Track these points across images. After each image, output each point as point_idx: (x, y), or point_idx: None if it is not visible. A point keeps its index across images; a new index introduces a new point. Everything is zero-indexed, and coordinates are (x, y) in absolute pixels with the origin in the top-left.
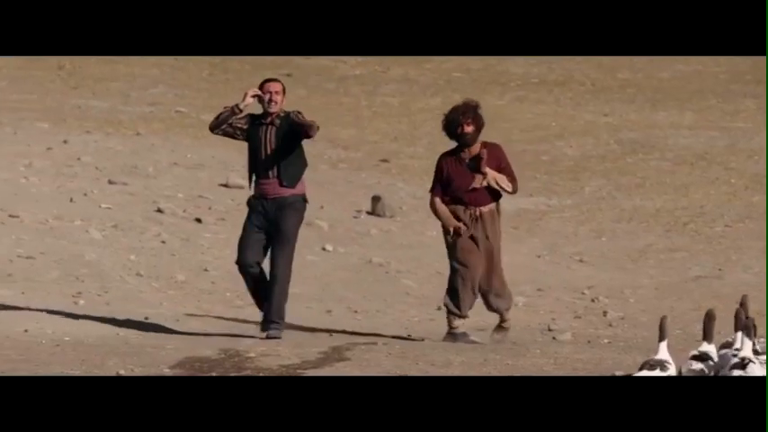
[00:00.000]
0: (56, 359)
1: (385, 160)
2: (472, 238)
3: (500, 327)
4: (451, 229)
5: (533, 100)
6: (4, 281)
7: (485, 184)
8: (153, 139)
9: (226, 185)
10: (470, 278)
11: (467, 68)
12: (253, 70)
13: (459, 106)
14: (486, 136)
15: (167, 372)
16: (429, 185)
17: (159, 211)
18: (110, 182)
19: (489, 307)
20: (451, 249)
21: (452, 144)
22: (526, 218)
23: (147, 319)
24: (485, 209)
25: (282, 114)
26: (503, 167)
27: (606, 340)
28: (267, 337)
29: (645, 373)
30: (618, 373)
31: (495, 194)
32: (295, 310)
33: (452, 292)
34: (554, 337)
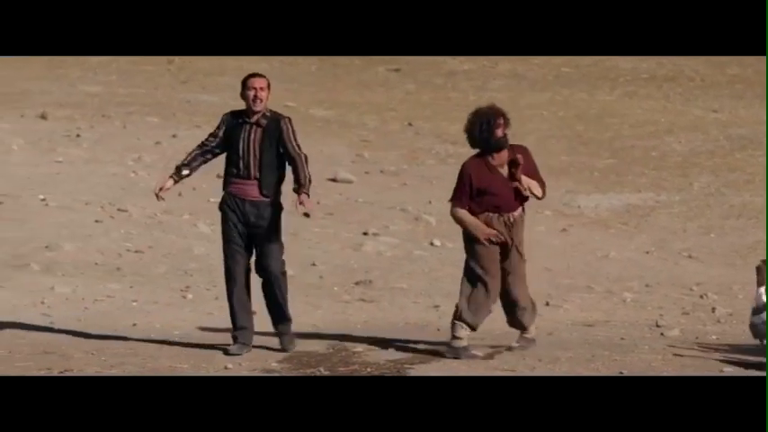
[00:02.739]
0: (164, 353)
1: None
2: (504, 246)
3: (523, 336)
4: (485, 238)
5: (643, 95)
6: (113, 275)
7: (525, 193)
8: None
9: (334, 180)
10: (492, 290)
11: (576, 64)
12: (362, 65)
13: (488, 109)
14: (595, 131)
15: (275, 366)
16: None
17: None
18: (218, 176)
19: (513, 322)
20: (474, 256)
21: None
22: (635, 213)
23: (255, 313)
24: (516, 214)
25: (269, 114)
26: (533, 173)
27: (714, 336)
28: (283, 349)
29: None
30: (726, 371)
31: (522, 199)
32: (402, 304)
33: (472, 301)
34: (662, 333)
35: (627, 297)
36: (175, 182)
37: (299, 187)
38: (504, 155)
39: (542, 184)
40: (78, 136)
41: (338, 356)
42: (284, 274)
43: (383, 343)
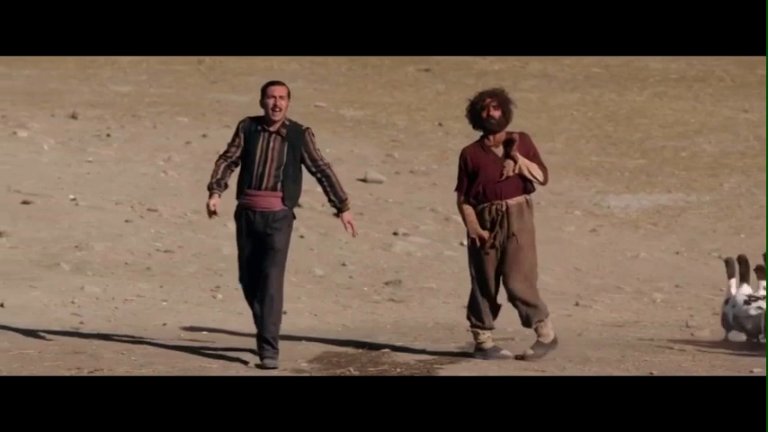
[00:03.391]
0: (194, 353)
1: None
2: (492, 244)
3: (538, 342)
4: (474, 238)
5: (672, 96)
6: (143, 274)
7: (516, 170)
8: None
9: (364, 180)
10: (488, 287)
11: (606, 64)
12: (392, 65)
13: (486, 90)
14: (625, 132)
15: (305, 366)
16: (567, 181)
17: (298, 205)
18: None
19: (523, 320)
20: (471, 255)
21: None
22: (665, 214)
23: (285, 313)
24: (512, 201)
25: (288, 123)
26: (532, 156)
27: (745, 337)
28: (263, 367)
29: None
30: (756, 371)
31: (524, 187)
32: (432, 304)
33: (473, 303)
34: (692, 334)
35: (657, 297)
36: (220, 195)
37: (343, 204)
38: (502, 137)
39: (544, 169)
40: (108, 136)
41: (368, 356)
42: (282, 296)
43: (413, 343)
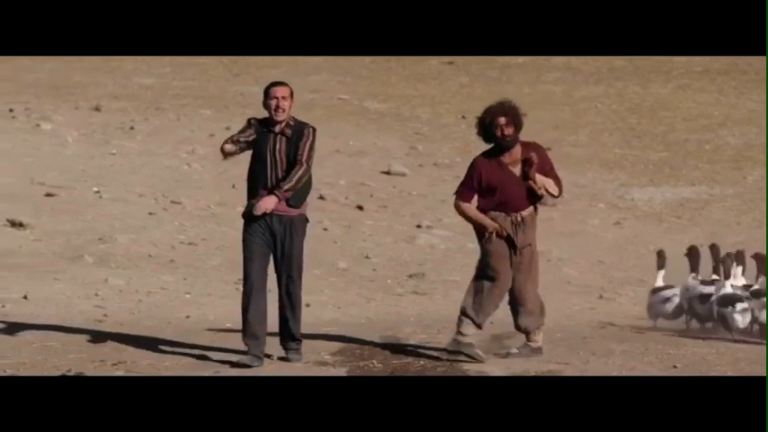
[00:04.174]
0: (217, 345)
1: (547, 148)
2: (510, 244)
3: (527, 344)
4: (490, 232)
5: (696, 89)
6: (167, 267)
7: (537, 190)
8: (315, 125)
9: (388, 173)
10: (499, 288)
11: (629, 57)
12: (416, 58)
13: (496, 106)
14: (649, 124)
15: (328, 359)
16: (591, 174)
17: (321, 198)
18: None
19: (517, 325)
20: (485, 253)
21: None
22: (688, 207)
23: (308, 305)
24: (525, 213)
25: (293, 123)
26: (548, 170)
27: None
28: (289, 360)
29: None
30: None
31: (533, 197)
32: (456, 297)
33: (476, 297)
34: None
35: None
36: (236, 148)
37: (276, 186)
38: (517, 152)
39: (558, 182)
40: (132, 128)
41: (391, 349)
42: (301, 300)
43: (437, 336)
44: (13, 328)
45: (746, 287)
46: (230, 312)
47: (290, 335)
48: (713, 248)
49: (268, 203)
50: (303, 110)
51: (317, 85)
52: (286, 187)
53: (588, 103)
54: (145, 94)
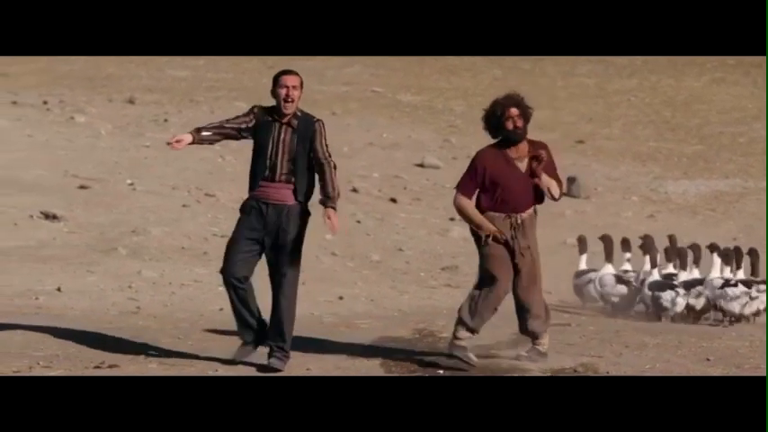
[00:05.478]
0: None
1: (580, 141)
2: (509, 248)
3: (534, 347)
4: (488, 235)
5: (730, 82)
6: (200, 259)
7: (544, 189)
8: (348, 118)
9: (421, 165)
10: (497, 293)
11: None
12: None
13: (507, 98)
14: (683, 117)
15: (361, 351)
16: (625, 167)
17: (354, 190)
18: None
19: (524, 329)
20: (483, 257)
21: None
22: (722, 200)
23: (341, 298)
24: (525, 215)
25: (300, 114)
26: (551, 171)
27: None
28: (268, 366)
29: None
30: None
31: (537, 199)
32: None
33: (474, 304)
34: (749, 320)
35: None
36: (193, 140)
37: (327, 200)
38: (524, 148)
39: (560, 184)
40: (166, 121)
41: (424, 342)
42: (296, 295)
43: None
44: (46, 321)
45: (672, 276)
46: (264, 304)
47: (275, 341)
48: (670, 239)
49: (336, 222)
50: (338, 102)
51: (351, 78)
52: (334, 195)
53: (621, 96)
54: (179, 87)
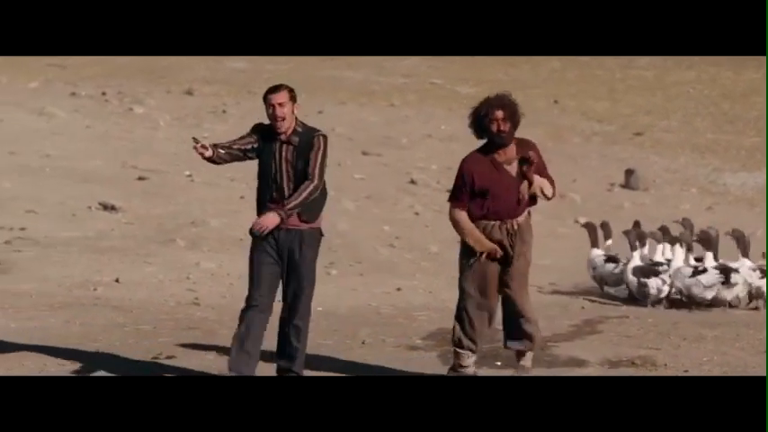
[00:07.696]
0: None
1: (638, 133)
2: (501, 259)
3: (521, 366)
4: (482, 253)
5: None
6: None
7: (531, 192)
8: (407, 110)
9: None
10: (488, 308)
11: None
12: None
13: (494, 99)
14: (741, 109)
15: (418, 342)
16: (683, 159)
17: (412, 182)
18: (363, 153)
19: (519, 334)
20: (466, 271)
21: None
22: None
23: (399, 290)
24: (521, 219)
25: (300, 129)
26: (542, 170)
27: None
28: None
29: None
30: None
31: (530, 202)
32: (543, 281)
33: (465, 324)
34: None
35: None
36: (212, 155)
37: (280, 204)
38: (512, 151)
39: (552, 183)
40: (224, 112)
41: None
42: (309, 320)
43: None
44: (104, 311)
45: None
46: (321, 295)
47: (288, 353)
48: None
49: (267, 222)
50: (396, 93)
51: (409, 70)
52: (290, 205)
53: (680, 88)
54: (237, 78)
